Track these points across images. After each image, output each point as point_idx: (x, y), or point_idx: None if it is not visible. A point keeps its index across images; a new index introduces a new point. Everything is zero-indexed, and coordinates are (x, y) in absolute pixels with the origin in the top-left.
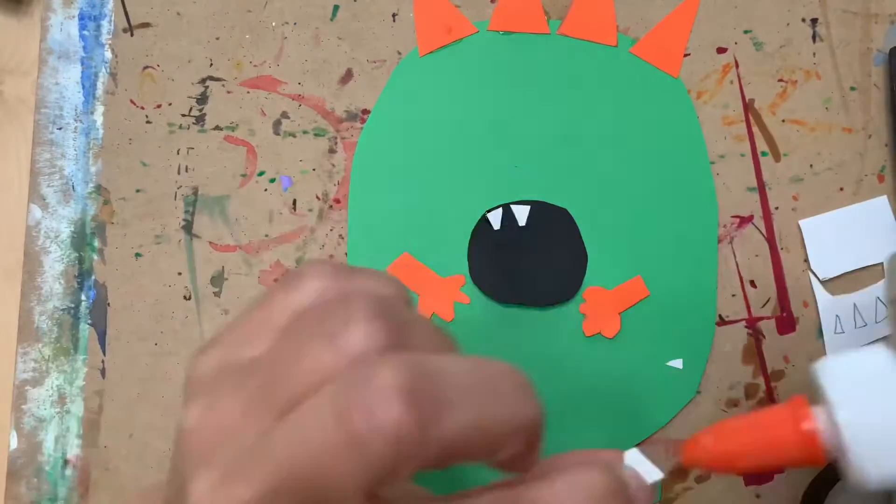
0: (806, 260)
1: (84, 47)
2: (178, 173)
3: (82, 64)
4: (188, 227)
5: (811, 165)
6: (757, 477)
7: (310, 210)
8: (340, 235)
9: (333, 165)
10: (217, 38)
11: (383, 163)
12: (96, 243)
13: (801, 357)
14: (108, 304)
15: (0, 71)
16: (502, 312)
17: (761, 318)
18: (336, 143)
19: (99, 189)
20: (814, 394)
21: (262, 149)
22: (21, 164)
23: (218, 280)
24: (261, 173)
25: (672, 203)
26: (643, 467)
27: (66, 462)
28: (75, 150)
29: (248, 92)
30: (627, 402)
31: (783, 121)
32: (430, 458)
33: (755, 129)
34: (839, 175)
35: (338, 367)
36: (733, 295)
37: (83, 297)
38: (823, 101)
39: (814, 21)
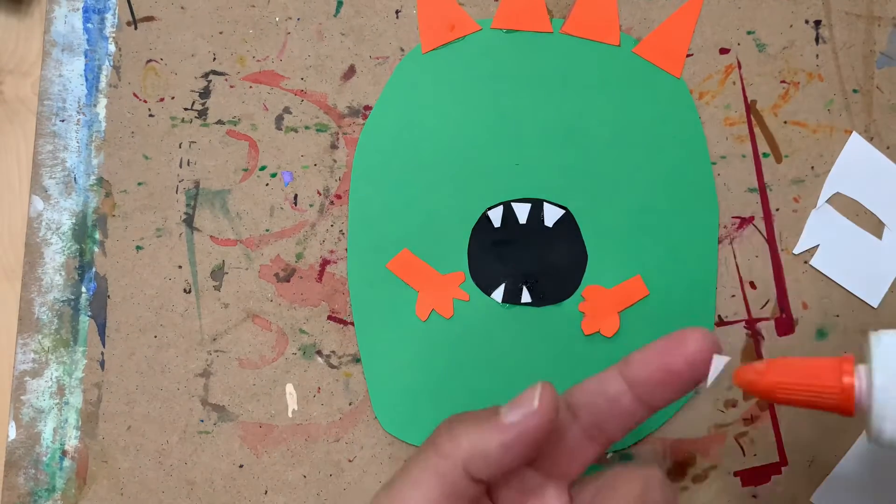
0: (806, 262)
1: (88, 40)
2: (180, 167)
3: (86, 56)
4: (189, 221)
5: (812, 167)
6: (754, 477)
7: (311, 205)
8: (341, 231)
9: (335, 161)
10: (220, 33)
11: (385, 159)
12: (97, 235)
13: None
14: (109, 297)
15: (0, 71)
16: (502, 310)
17: (760, 320)
18: (338, 139)
19: (101, 181)
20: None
21: (264, 143)
22: (21, 164)
23: (218, 274)
24: (262, 168)
25: (673, 203)
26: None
27: (64, 453)
28: (77, 142)
29: (251, 87)
30: None
31: (785, 122)
32: None
33: (757, 130)
34: None
35: None
36: (733, 296)
37: (83, 289)
38: (826, 103)
39: (817, 23)
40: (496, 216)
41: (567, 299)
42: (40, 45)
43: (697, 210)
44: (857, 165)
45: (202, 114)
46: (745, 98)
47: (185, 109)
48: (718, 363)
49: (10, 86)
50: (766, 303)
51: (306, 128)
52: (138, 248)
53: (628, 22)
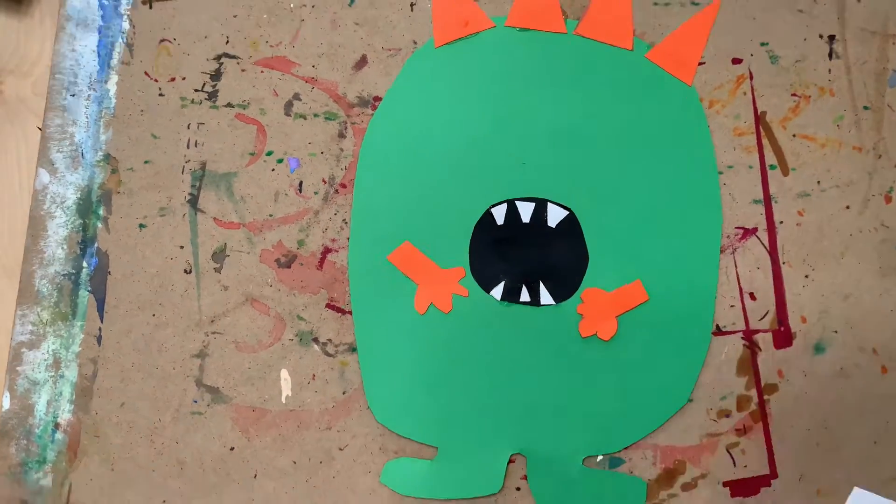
0: (807, 276)
1: (102, 16)
2: (188, 147)
3: (99, 33)
4: (193, 202)
5: (819, 182)
6: (744, 488)
7: (315, 193)
8: (344, 220)
9: (342, 150)
10: (235, 16)
11: (391, 151)
12: (101, 211)
13: (795, 372)
14: (109, 273)
15: (0, 71)
16: (500, 307)
17: (758, 331)
18: (346, 128)
19: (108, 158)
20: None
21: (272, 129)
22: (21, 163)
23: (219, 256)
24: (269, 153)
25: (677, 210)
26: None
27: (56, 426)
28: (87, 117)
29: (262, 71)
30: (618, 405)
31: (794, 135)
32: None
33: (765, 141)
34: (846, 193)
35: None
36: (732, 306)
37: (84, 264)
38: (835, 118)
39: (831, 38)
40: (499, 214)
41: (566, 300)
42: (41, 45)
43: (701, 218)
44: None
45: (212, 96)
46: (755, 109)
47: (196, 91)
48: None
49: (11, 86)
50: (765, 314)
51: (315, 115)
52: (141, 226)
53: (642, 27)
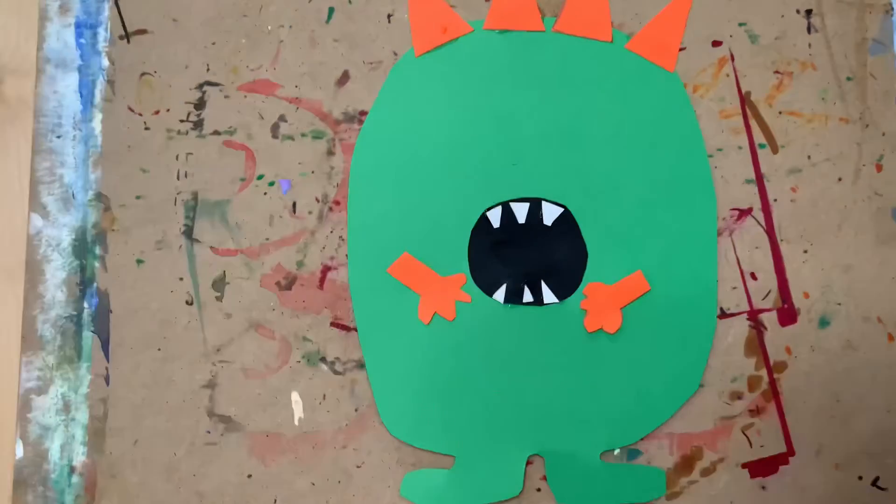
0: (806, 251)
1: (81, 55)
2: (178, 179)
3: (79, 72)
4: (189, 233)
5: (809, 156)
6: (762, 468)
7: (310, 212)
8: (341, 237)
9: (332, 167)
10: (213, 44)
11: (382, 164)
12: (98, 251)
13: (803, 348)
14: (111, 311)
15: (0, 71)
16: (504, 310)
17: (763, 311)
18: (334, 145)
19: (99, 196)
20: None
21: (261, 152)
22: (21, 163)
23: (220, 284)
24: (260, 177)
25: (671, 197)
26: None
27: (72, 470)
28: (74, 158)
29: (246, 96)
30: (630, 397)
31: (780, 112)
32: None
33: (752, 121)
34: (837, 165)
35: None
36: (734, 287)
37: (86, 305)
38: (820, 91)
39: (808, 12)
40: (495, 217)
41: (569, 297)
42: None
43: (696, 203)
44: None
45: (198, 125)
46: (740, 90)
47: (181, 121)
48: None
49: (11, 86)
50: (768, 293)
51: (302, 135)
52: (139, 261)
53: (620, 18)
